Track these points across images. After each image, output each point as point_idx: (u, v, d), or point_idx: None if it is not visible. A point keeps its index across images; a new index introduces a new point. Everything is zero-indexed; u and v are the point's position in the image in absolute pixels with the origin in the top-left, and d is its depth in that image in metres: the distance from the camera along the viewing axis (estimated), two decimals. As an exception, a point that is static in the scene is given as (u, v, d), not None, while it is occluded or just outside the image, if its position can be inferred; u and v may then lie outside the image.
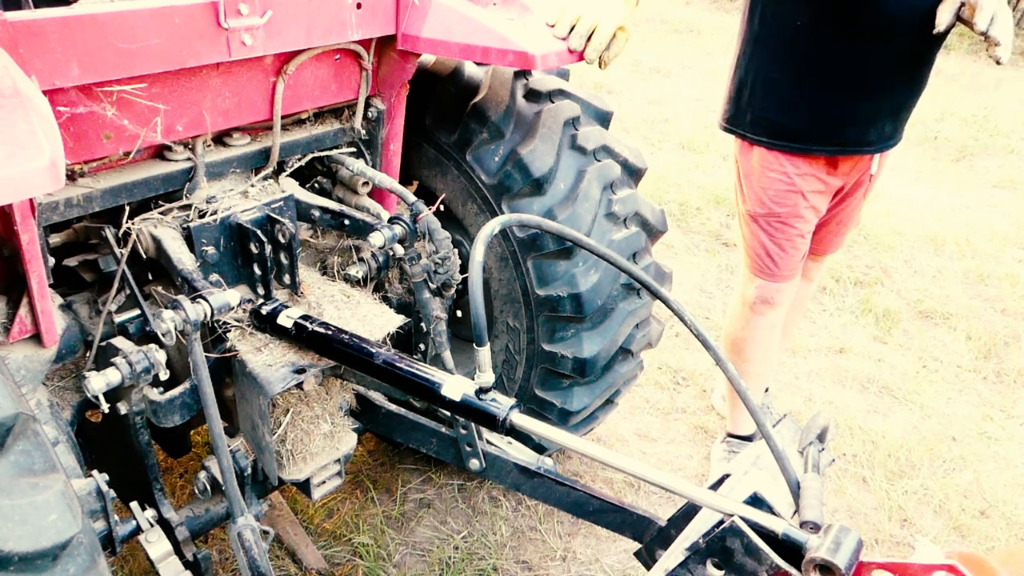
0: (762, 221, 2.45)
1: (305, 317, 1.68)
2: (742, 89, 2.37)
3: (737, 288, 2.71)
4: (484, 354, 1.34)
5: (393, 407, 1.94)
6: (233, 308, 1.55)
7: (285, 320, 1.67)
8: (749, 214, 2.48)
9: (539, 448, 2.07)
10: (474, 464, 1.86)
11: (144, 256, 1.72)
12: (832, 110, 2.25)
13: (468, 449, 1.85)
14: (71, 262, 1.74)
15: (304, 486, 1.80)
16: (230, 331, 1.72)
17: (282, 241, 1.80)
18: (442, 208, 2.16)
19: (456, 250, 2.00)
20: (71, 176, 1.57)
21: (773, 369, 3.22)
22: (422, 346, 2.09)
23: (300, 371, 1.65)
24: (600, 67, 1.86)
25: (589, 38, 1.82)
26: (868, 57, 2.16)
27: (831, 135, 2.29)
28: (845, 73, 2.19)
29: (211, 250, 1.78)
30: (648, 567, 1.59)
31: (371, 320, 1.83)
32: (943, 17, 1.96)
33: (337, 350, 1.63)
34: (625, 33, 1.84)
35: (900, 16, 2.08)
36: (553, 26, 1.84)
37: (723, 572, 1.21)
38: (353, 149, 2.12)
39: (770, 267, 2.52)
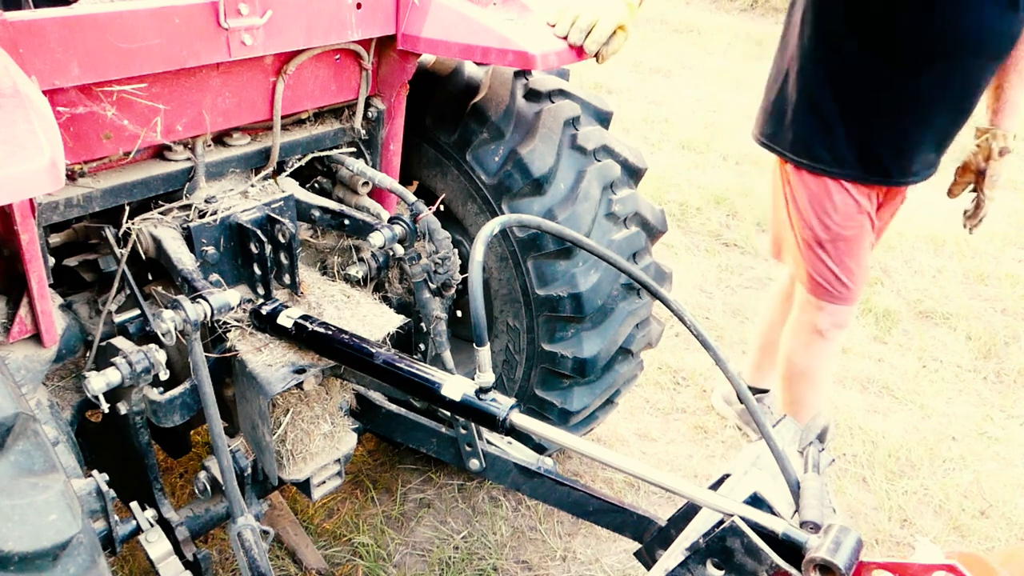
0: (828, 246, 2.33)
1: (305, 317, 1.68)
2: (784, 106, 2.28)
3: (799, 317, 2.55)
4: (484, 354, 1.34)
5: (393, 407, 1.94)
6: (233, 308, 1.55)
7: (285, 320, 1.67)
8: (814, 240, 2.35)
9: (539, 448, 2.07)
10: (474, 464, 1.86)
11: (144, 256, 1.72)
12: (876, 138, 2.18)
13: (468, 449, 1.85)
14: (71, 262, 1.74)
15: (304, 486, 1.80)
16: (230, 331, 1.72)
17: (282, 241, 1.80)
18: (442, 208, 2.16)
19: (456, 250, 2.00)
20: (71, 176, 1.57)
21: None
22: (422, 346, 2.09)
23: (300, 371, 1.65)
24: (598, 61, 1.86)
25: (589, 33, 1.82)
26: (920, 85, 2.08)
27: (874, 164, 2.21)
28: (894, 101, 2.11)
29: (211, 250, 1.78)
30: (648, 567, 1.59)
31: (371, 320, 1.83)
32: (955, 191, 2.24)
33: (337, 350, 1.63)
34: (624, 32, 1.84)
35: (956, 43, 2.01)
36: (554, 25, 1.84)
37: (723, 572, 1.21)
38: (353, 149, 2.12)
39: (840, 291, 2.40)
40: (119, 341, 1.64)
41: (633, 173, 2.24)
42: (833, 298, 2.42)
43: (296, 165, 2.01)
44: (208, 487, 1.82)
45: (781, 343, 2.70)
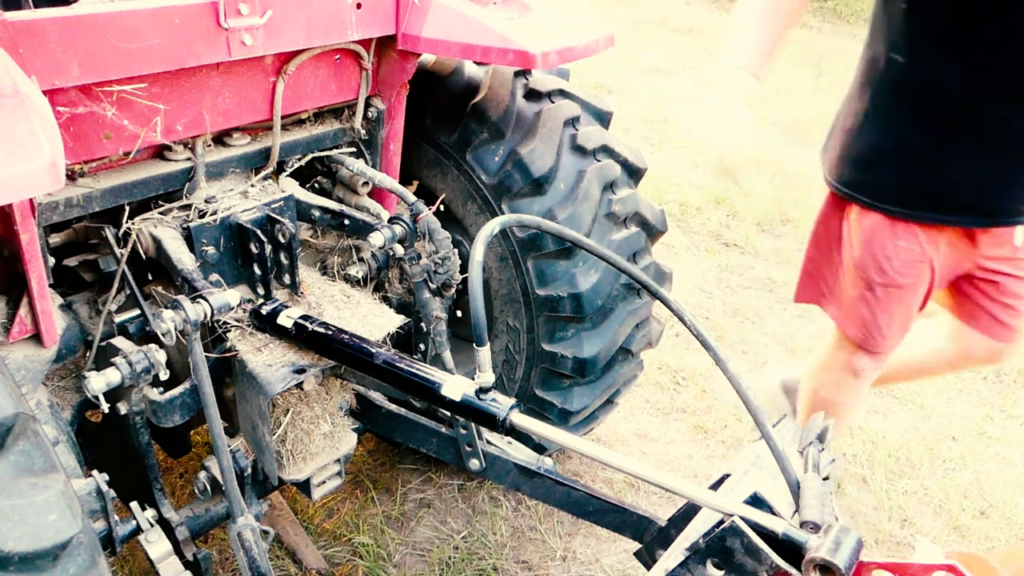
0: (879, 290, 2.16)
1: (305, 317, 1.68)
2: (876, 152, 2.05)
3: (835, 353, 2.39)
4: (484, 354, 1.34)
5: (393, 407, 1.94)
6: (233, 308, 1.55)
7: (285, 320, 1.67)
8: (862, 278, 2.17)
9: (539, 448, 2.07)
10: (474, 464, 1.86)
11: (144, 256, 1.72)
12: (990, 178, 1.97)
13: (468, 449, 1.85)
14: (71, 262, 1.74)
15: (304, 486, 1.80)
16: (230, 331, 1.72)
17: (282, 241, 1.80)
18: (442, 208, 2.16)
19: (456, 250, 2.00)
20: (71, 176, 1.57)
21: None
22: (422, 346, 2.09)
23: (300, 371, 1.65)
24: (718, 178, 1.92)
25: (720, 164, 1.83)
26: None
27: (983, 206, 2.02)
28: (1013, 136, 1.92)
29: (211, 250, 1.78)
30: (648, 567, 1.59)
31: (371, 320, 1.83)
32: None
33: (337, 350, 1.63)
34: (752, 155, 1.81)
35: None
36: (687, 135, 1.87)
37: (723, 572, 1.21)
38: (353, 149, 2.12)
39: (876, 339, 2.23)
40: (119, 341, 1.64)
41: (633, 173, 2.24)
42: (868, 343, 2.27)
43: (296, 165, 2.01)
44: (208, 487, 1.82)
45: (808, 372, 2.55)
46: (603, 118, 2.24)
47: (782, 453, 1.26)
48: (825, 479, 1.28)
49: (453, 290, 2.02)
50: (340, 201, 2.08)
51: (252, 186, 1.89)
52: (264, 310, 1.71)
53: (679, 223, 4.71)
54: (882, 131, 2.04)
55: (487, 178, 2.06)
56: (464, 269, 2.00)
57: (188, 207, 1.77)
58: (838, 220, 2.23)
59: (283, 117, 1.86)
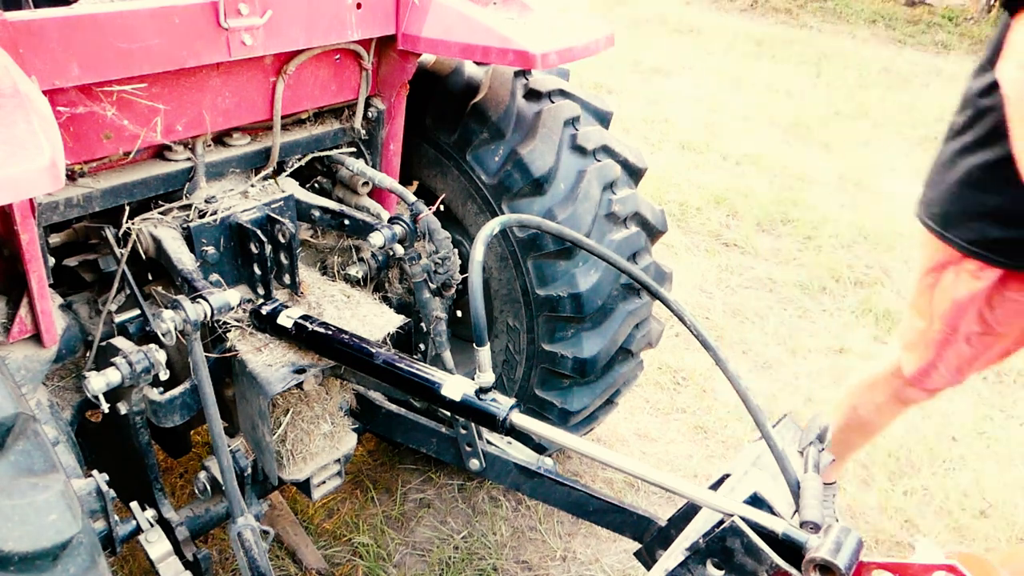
0: (975, 339, 2.05)
1: (305, 317, 1.68)
2: (991, 208, 1.84)
3: (888, 379, 2.30)
4: (484, 354, 1.34)
5: (393, 407, 1.94)
6: (233, 308, 1.55)
7: (285, 320, 1.67)
8: (964, 337, 2.06)
9: (539, 448, 2.07)
10: (474, 464, 1.86)
11: (144, 256, 1.72)
12: None
13: (468, 449, 1.85)
14: (71, 262, 1.74)
15: (304, 486, 1.80)
16: (230, 331, 1.73)
17: (282, 241, 1.80)
18: (442, 208, 2.16)
19: (456, 250, 2.00)
20: (71, 176, 1.57)
21: None
22: (422, 346, 2.09)
23: (300, 371, 1.65)
24: None
25: None
26: None
27: None
28: None
29: (211, 250, 1.78)
30: (648, 567, 1.59)
31: (371, 320, 1.83)
32: None
33: (337, 350, 1.63)
34: None
35: None
36: None
37: (723, 572, 1.21)
38: (353, 149, 2.12)
39: (955, 381, 2.17)
40: (119, 341, 1.64)
41: (633, 173, 2.24)
42: (940, 382, 2.20)
43: (296, 165, 2.01)
44: (208, 487, 1.82)
45: (849, 388, 2.45)
46: (603, 118, 2.24)
47: (782, 453, 1.26)
48: (830, 483, 1.27)
49: (453, 290, 2.02)
50: (340, 201, 2.08)
51: (252, 186, 1.89)
52: (264, 310, 1.71)
53: (679, 223, 4.71)
54: (1010, 185, 1.77)
55: (487, 178, 2.06)
56: (464, 269, 2.00)
57: (188, 207, 1.77)
58: (941, 270, 2.06)
59: (283, 117, 1.86)
